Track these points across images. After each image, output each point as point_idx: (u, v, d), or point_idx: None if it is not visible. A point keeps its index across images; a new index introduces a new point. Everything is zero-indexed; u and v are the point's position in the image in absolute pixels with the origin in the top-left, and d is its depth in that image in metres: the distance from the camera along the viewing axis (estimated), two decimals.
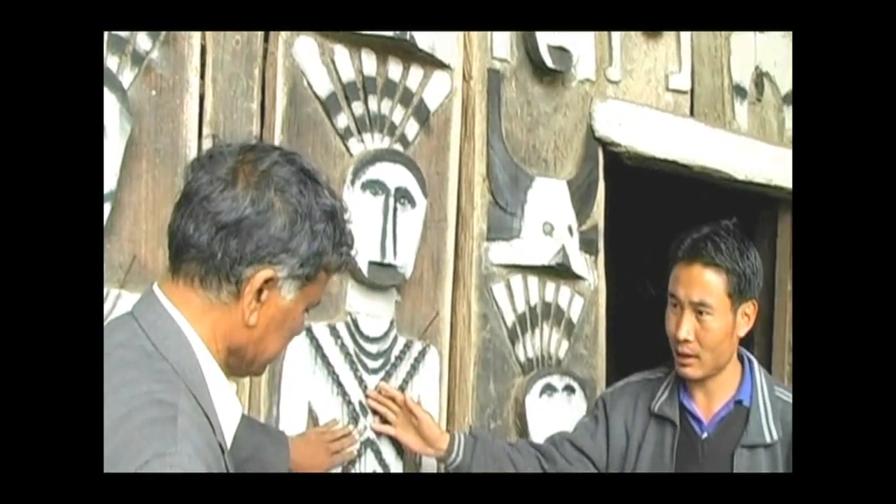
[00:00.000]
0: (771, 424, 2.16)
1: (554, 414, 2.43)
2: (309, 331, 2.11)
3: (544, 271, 2.47)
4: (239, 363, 1.39)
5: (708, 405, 2.21)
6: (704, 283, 2.13)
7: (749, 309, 2.18)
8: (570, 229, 2.50)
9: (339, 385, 2.16)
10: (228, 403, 1.38)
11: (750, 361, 2.25)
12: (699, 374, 2.19)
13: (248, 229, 1.29)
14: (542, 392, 2.41)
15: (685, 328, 2.14)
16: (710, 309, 2.12)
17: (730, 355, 2.20)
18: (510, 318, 2.42)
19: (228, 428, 1.37)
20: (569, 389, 2.47)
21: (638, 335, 2.35)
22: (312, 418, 2.13)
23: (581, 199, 2.57)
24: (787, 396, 2.23)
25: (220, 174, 1.30)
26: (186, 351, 1.31)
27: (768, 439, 2.15)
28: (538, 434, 2.38)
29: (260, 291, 1.31)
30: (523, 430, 2.39)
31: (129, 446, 1.21)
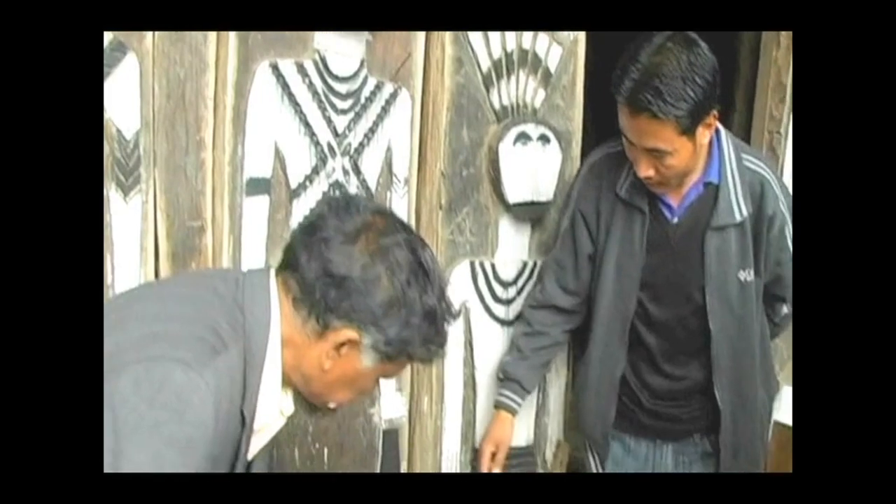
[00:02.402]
0: (740, 200, 2.13)
1: (527, 162, 2.38)
2: (275, 68, 2.03)
3: None
4: (303, 389, 1.45)
5: (677, 190, 2.16)
6: (654, 133, 1.97)
7: (709, 120, 2.02)
8: None
9: (307, 125, 2.09)
10: (272, 403, 1.41)
11: (717, 133, 2.14)
12: (671, 190, 2.15)
13: (349, 289, 1.35)
14: (516, 140, 2.35)
15: (644, 167, 2.04)
16: (666, 152, 1.99)
17: (697, 162, 2.11)
18: (485, 64, 2.33)
19: (265, 417, 1.42)
20: (544, 139, 2.41)
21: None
22: (279, 159, 2.08)
23: None
24: (755, 164, 2.18)
25: (346, 228, 1.38)
26: (264, 332, 1.37)
27: (738, 217, 2.13)
28: (510, 181, 2.35)
29: (341, 345, 1.38)
30: (496, 178, 2.35)
31: (162, 340, 1.28)
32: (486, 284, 2.43)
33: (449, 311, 1.46)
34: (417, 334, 1.39)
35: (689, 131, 1.98)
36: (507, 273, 2.46)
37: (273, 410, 1.43)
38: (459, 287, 2.38)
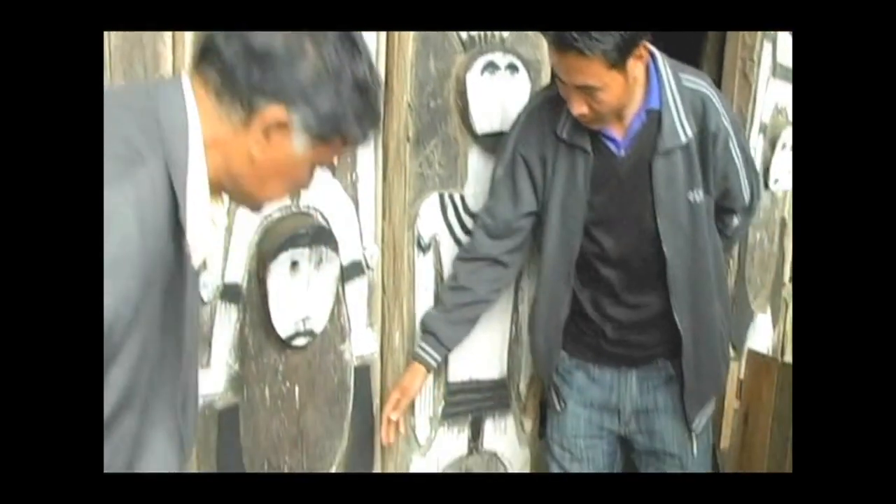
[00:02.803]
0: (684, 122, 2.12)
1: (496, 92, 2.33)
2: None
3: None
4: (234, 191, 1.37)
5: (620, 123, 2.14)
6: (582, 69, 1.95)
7: (639, 52, 2.00)
8: None
9: None
10: (202, 213, 1.32)
11: (654, 58, 2.12)
12: (607, 125, 2.13)
13: (273, 63, 1.27)
14: (483, 69, 2.30)
15: (577, 105, 2.03)
16: (597, 88, 1.98)
17: (633, 94, 2.09)
18: None
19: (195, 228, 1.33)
20: (512, 68, 2.35)
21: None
22: None
23: None
24: (695, 83, 2.17)
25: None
26: (182, 136, 1.29)
27: (683, 139, 2.13)
28: (478, 112, 2.31)
29: (270, 129, 1.30)
30: (464, 109, 2.31)
31: None
32: (455, 217, 2.40)
33: (378, 83, 1.37)
34: (349, 107, 1.31)
35: (618, 65, 1.97)
36: (478, 205, 2.42)
37: (204, 221, 1.35)
38: (429, 220, 2.35)
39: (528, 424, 2.70)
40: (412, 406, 2.41)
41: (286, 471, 2.19)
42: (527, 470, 2.73)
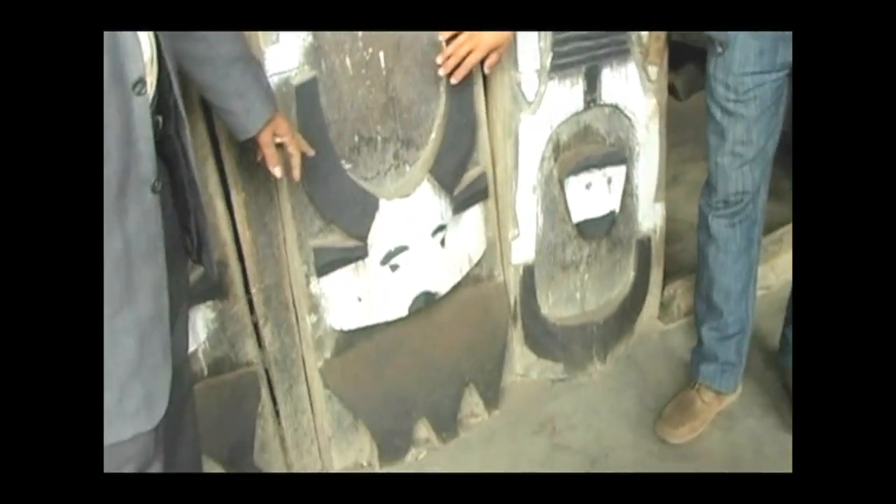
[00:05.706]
0: None
1: None
2: None
3: None
4: None
5: None
6: None
7: None
8: None
9: None
10: None
11: None
12: None
13: None
14: None
15: None
16: None
17: None
18: None
19: None
20: None
21: None
22: None
23: None
24: None
25: None
26: None
27: None
28: None
29: None
30: None
31: None
32: None
33: None
34: None
35: None
36: None
37: None
38: None
39: (654, 72, 2.46)
40: (515, 61, 2.22)
41: (379, 140, 2.11)
42: (654, 122, 2.53)
